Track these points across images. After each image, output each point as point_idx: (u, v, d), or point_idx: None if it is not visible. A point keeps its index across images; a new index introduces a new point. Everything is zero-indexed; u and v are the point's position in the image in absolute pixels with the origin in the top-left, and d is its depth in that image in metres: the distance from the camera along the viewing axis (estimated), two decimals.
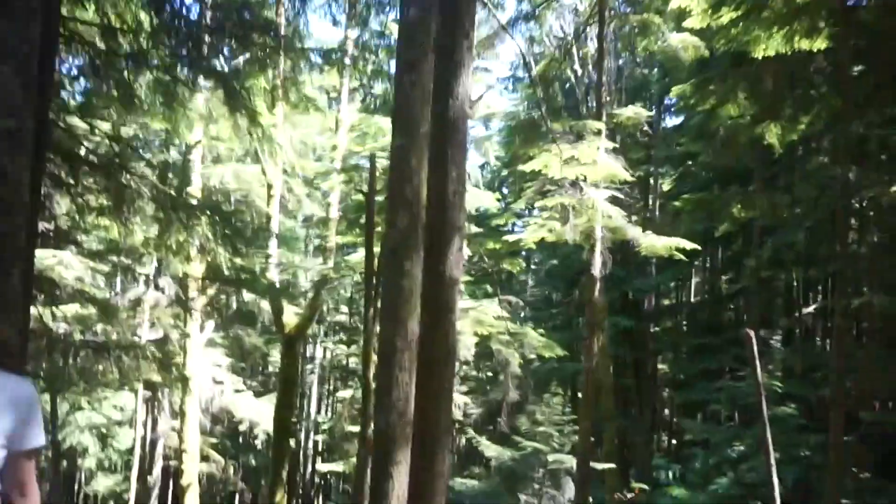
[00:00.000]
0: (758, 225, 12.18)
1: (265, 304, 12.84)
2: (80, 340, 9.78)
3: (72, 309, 9.84)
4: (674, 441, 17.34)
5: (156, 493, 14.92)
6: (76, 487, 18.99)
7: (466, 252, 11.97)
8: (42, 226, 9.52)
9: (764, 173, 12.24)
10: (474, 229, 12.86)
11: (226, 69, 6.42)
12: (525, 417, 11.78)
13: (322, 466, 20.25)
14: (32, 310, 7.94)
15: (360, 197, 11.06)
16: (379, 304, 6.36)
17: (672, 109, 17.93)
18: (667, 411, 19.14)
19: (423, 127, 3.89)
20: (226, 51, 6.27)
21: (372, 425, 4.62)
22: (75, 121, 6.85)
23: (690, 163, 15.52)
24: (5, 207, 3.61)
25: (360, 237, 11.73)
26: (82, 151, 6.55)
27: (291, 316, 10.60)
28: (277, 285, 11.08)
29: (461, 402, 14.13)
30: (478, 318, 10.13)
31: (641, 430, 15.45)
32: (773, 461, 4.68)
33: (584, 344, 7.34)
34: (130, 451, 15.28)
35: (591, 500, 10.07)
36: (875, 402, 11.50)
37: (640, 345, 16.38)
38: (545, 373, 15.36)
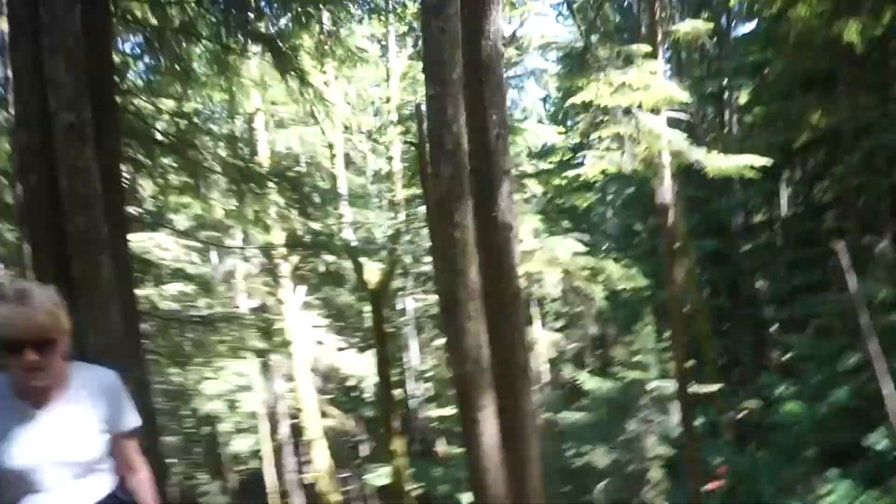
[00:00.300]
0: (849, 129, 11.02)
1: (349, 264, 13.22)
2: (186, 316, 10.58)
3: (174, 288, 10.62)
4: (782, 357, 16.62)
5: (288, 449, 16.15)
6: (218, 450, 20.94)
7: (537, 190, 11.73)
8: (133, 209, 10.23)
9: (848, 75, 10.94)
10: (542, 166, 12.51)
11: (271, 30, 6.48)
12: (620, 348, 11.66)
13: (434, 412, 21.06)
14: (140, 291, 8.62)
15: None
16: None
17: (740, 17, 16.39)
18: (771, 329, 18.32)
19: (455, 73, 3.73)
20: (269, 12, 6.32)
21: None
22: (143, 102, 7.17)
23: (766, 71, 14.17)
24: (81, 200, 3.86)
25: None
26: (154, 132, 6.89)
27: (373, 272, 10.85)
28: (354, 244, 11.33)
29: (554, 338, 14.12)
30: (554, 256, 9.99)
31: (745, 349, 14.89)
32: (884, 371, 4.33)
33: (666, 273, 7.07)
34: (256, 415, 16.61)
35: (699, 421, 9.89)
36: None
37: (733, 265, 15.62)
38: (635, 303, 15.02)
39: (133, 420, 2.06)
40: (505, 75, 5.17)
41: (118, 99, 5.14)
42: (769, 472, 8.79)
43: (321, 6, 6.03)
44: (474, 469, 3.59)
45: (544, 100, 20.95)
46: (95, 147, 3.73)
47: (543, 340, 12.83)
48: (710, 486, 8.98)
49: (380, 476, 18.15)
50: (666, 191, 9.17)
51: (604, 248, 18.29)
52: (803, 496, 7.90)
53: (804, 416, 9.34)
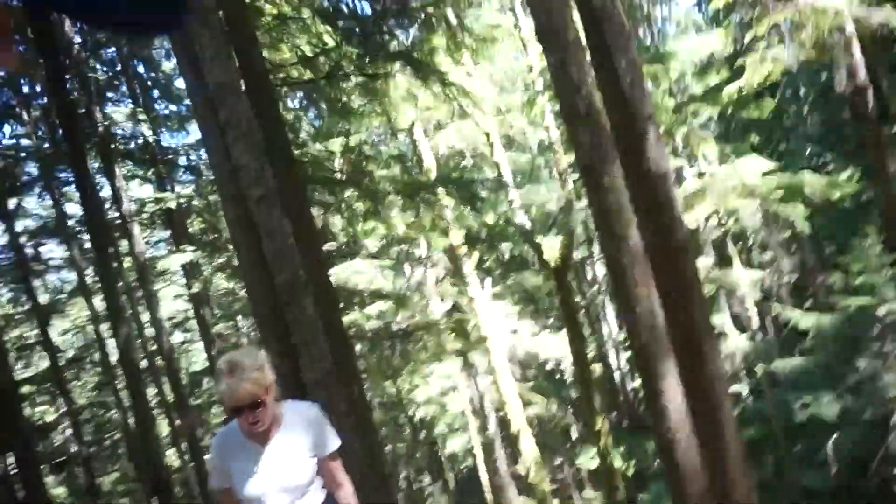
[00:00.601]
0: None
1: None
2: (389, 333, 11.53)
3: (375, 308, 11.65)
4: None
5: (498, 443, 16.75)
6: (437, 452, 22.35)
7: (712, 111, 10.68)
8: (329, 246, 11.42)
9: None
10: (711, 81, 11.10)
11: (405, 44, 6.95)
12: (838, 273, 10.29)
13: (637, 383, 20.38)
14: (347, 318, 9.59)
15: None
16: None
17: None
18: None
19: (570, 34, 3.69)
20: (398, 29, 6.80)
21: None
22: (317, 147, 8.10)
23: None
24: (280, 256, 4.50)
25: None
26: (332, 172, 7.78)
27: (551, 250, 10.82)
28: (527, 226, 11.41)
29: (758, 276, 12.86)
30: (740, 183, 9.00)
31: None
32: None
33: (874, 171, 6.17)
34: (464, 412, 17.45)
35: None
36: None
37: None
38: (849, 214, 13.03)
39: (335, 443, 2.46)
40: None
41: (296, 152, 5.85)
42: None
43: (441, 5, 6.32)
44: (663, 444, 3.51)
45: (698, 4, 18.64)
46: (285, 204, 4.33)
47: (745, 281, 11.66)
48: None
49: (591, 458, 17.99)
50: (857, 69, 7.85)
51: (807, 152, 16.12)
52: None
53: None
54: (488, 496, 16.46)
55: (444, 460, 21.26)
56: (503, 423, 19.86)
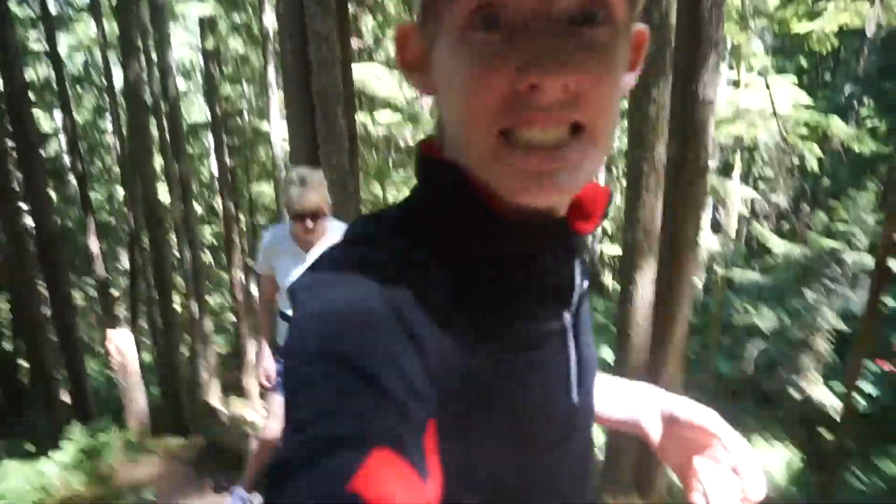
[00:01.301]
0: None
1: None
2: (395, 144, 11.77)
3: (385, 116, 11.76)
4: None
5: None
6: None
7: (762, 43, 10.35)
8: (357, 43, 11.19)
9: None
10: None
11: None
12: (825, 214, 10.80)
13: (607, 249, 21.49)
14: (357, 117, 9.77)
15: None
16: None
17: None
18: None
19: None
20: None
21: None
22: None
23: None
24: (325, 64, 4.63)
25: None
26: None
27: None
28: None
29: (751, 193, 13.28)
30: (771, 107, 8.96)
31: None
32: None
33: None
34: None
35: (891, 300, 9.22)
36: None
37: None
38: (857, 166, 13.28)
39: None
40: None
41: None
42: None
43: None
44: (622, 319, 4.09)
45: None
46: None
47: (739, 195, 12.13)
48: (885, 365, 8.69)
49: None
50: None
51: (847, 95, 15.72)
52: None
53: None
54: None
55: None
56: None
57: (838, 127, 9.49)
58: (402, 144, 12.34)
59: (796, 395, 9.31)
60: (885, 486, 6.93)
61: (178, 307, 12.32)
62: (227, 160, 14.25)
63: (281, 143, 13.92)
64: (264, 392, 2.93)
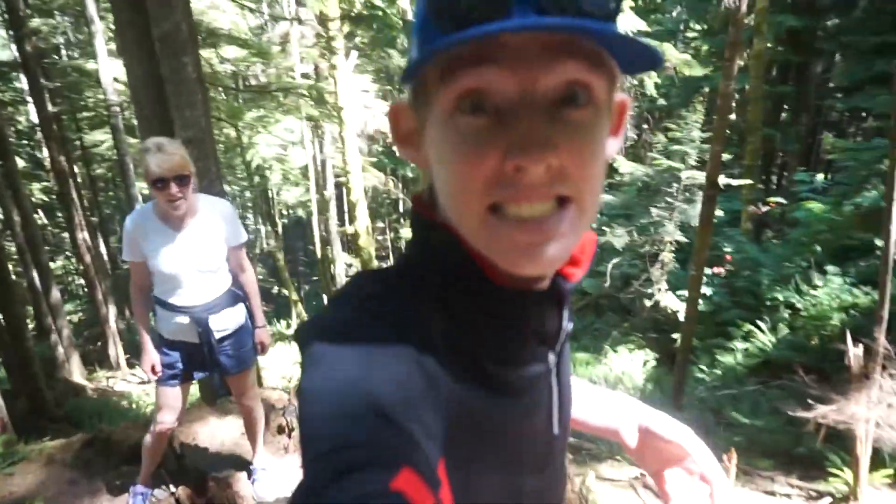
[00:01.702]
0: None
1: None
2: (246, 84, 10.95)
3: (231, 52, 10.85)
4: (825, 157, 16.30)
5: (333, 203, 17.61)
6: (270, 198, 22.84)
7: None
8: None
9: None
10: None
11: None
12: (663, 135, 11.76)
13: None
14: (201, 52, 8.92)
15: None
16: None
17: None
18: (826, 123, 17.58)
19: None
20: None
21: None
22: None
23: None
24: (167, 3, 4.15)
25: None
26: None
27: None
28: (410, 16, 11.00)
29: None
30: None
31: (791, 142, 14.68)
32: None
33: (724, 65, 6.90)
34: (306, 168, 17.77)
35: (720, 213, 10.44)
36: None
37: (807, 46, 14.49)
38: (687, 88, 14.53)
39: (244, 235, 2.80)
40: None
41: None
42: (773, 264, 9.57)
43: None
44: None
45: None
46: None
47: None
48: (714, 269, 9.90)
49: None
50: None
51: (674, 17, 16.85)
52: (797, 289, 8.74)
53: (823, 215, 9.81)
54: (316, 246, 17.68)
55: (277, 207, 21.90)
56: (339, 187, 20.64)
57: (671, 53, 10.24)
58: (252, 82, 11.52)
59: (648, 304, 10.40)
60: (721, 373, 8.10)
61: (14, 278, 10.98)
62: (49, 105, 12.50)
63: (113, 85, 12.44)
64: (146, 378, 2.76)
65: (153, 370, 2.70)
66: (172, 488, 3.13)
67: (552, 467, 0.71)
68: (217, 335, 2.74)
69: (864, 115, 15.30)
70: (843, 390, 4.84)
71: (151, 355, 2.70)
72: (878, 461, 4.90)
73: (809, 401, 4.75)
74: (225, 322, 2.77)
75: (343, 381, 0.49)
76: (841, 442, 5.13)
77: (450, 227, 0.59)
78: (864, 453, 4.64)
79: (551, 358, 0.67)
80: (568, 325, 0.70)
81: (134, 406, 8.81)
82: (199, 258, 2.61)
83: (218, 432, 3.65)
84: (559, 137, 0.51)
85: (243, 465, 3.34)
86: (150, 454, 2.92)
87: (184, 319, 2.66)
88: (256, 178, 20.47)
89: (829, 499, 4.86)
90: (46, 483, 3.02)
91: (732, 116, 13.71)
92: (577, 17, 0.49)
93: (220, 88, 11.07)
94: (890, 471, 5.00)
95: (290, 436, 3.68)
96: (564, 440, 0.75)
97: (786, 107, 16.56)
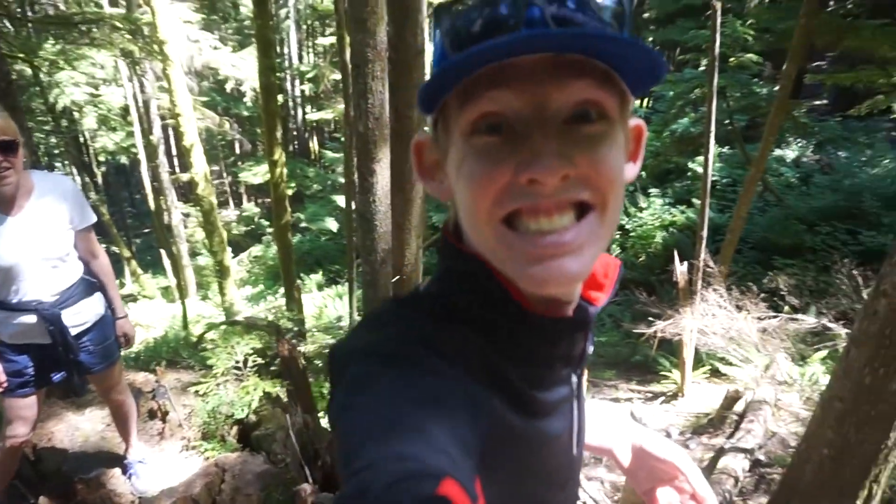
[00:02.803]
0: None
1: None
2: (43, 16, 9.35)
3: None
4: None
5: (162, 149, 15.99)
6: (83, 144, 20.16)
7: None
8: None
9: None
10: None
11: None
12: None
13: (312, 115, 21.07)
14: None
15: None
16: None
17: None
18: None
19: None
20: None
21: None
22: None
23: None
24: None
25: None
26: None
27: None
28: None
29: None
30: None
31: None
32: (713, 104, 5.28)
33: None
34: (126, 110, 15.84)
35: None
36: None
37: None
38: None
39: (92, 217, 2.48)
40: None
41: None
42: None
43: None
44: (365, 208, 4.26)
45: None
46: None
47: None
48: None
49: (255, 175, 18.91)
50: None
51: None
52: (625, 211, 9.68)
53: (647, 142, 10.83)
54: (147, 196, 16.05)
55: (94, 155, 19.43)
56: (165, 130, 18.73)
57: None
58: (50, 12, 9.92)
59: None
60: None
61: None
62: None
63: None
64: None
65: None
66: (33, 500, 2.84)
67: (572, 482, 0.74)
68: (74, 331, 2.45)
69: (675, 47, 16.79)
70: (672, 304, 5.56)
71: None
72: (697, 361, 5.77)
73: (650, 319, 5.38)
74: (82, 315, 2.48)
75: (386, 400, 0.50)
76: (669, 347, 5.94)
77: (478, 255, 0.60)
78: (688, 356, 5.43)
79: (574, 380, 0.70)
80: (589, 348, 0.72)
81: None
82: (42, 245, 2.27)
83: (78, 428, 3.32)
84: (573, 150, 0.53)
85: (114, 460, 3.10)
86: (1, 470, 2.59)
87: (30, 319, 2.33)
88: (64, 123, 17.93)
89: (662, 398, 5.66)
90: None
91: None
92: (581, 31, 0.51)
93: (5, 18, 9.36)
94: (707, 367, 5.91)
95: (163, 419, 3.45)
96: (581, 460, 0.77)
97: None
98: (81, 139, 19.41)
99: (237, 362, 3.89)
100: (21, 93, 15.18)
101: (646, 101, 14.71)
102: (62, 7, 11.30)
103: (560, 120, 0.53)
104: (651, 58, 0.52)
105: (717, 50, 5.51)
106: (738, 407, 4.72)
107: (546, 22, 0.50)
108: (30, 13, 11.76)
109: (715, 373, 5.90)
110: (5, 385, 2.38)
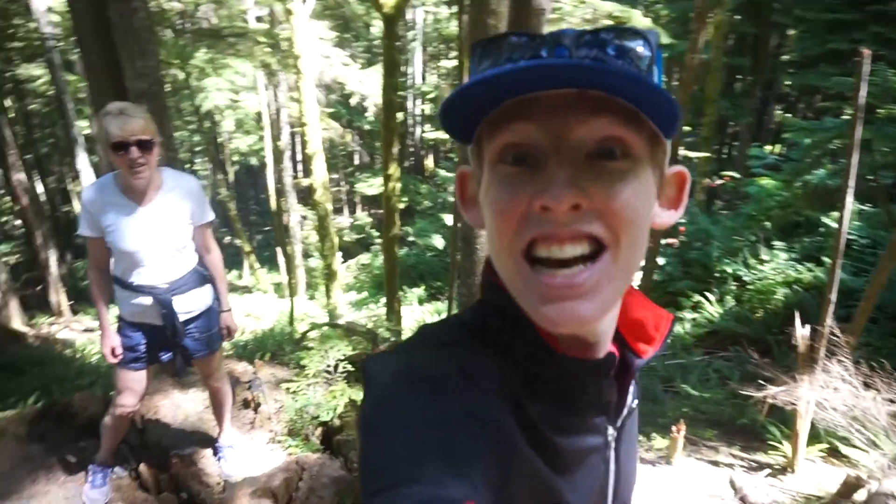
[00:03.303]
0: None
1: None
2: (198, 28, 10.30)
3: None
4: (772, 126, 16.71)
5: (288, 154, 17.02)
6: (220, 144, 21.92)
7: None
8: None
9: None
10: None
11: None
12: None
13: (429, 134, 21.62)
14: None
15: None
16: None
17: None
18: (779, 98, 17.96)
19: None
20: None
21: None
22: None
23: None
24: None
25: None
26: None
27: None
28: None
29: None
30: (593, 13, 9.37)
31: (743, 114, 14.97)
32: (855, 158, 4.80)
33: (690, 37, 6.91)
34: (259, 116, 17.05)
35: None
36: None
37: (764, 17, 14.64)
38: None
39: (210, 214, 2.63)
40: None
41: None
42: (723, 237, 9.87)
43: None
44: (468, 231, 4.21)
45: None
46: None
47: None
48: (668, 241, 10.16)
49: (370, 186, 19.62)
50: None
51: None
52: (744, 262, 9.05)
53: (774, 191, 10.11)
54: (270, 196, 17.12)
55: (228, 155, 21.05)
56: (296, 138, 19.95)
57: (638, 19, 10.19)
58: (205, 24, 10.86)
59: None
60: (671, 343, 8.39)
61: None
62: None
63: (46, 15, 11.55)
64: (114, 361, 2.58)
65: (113, 353, 2.55)
66: (134, 465, 3.03)
67: None
68: (182, 317, 2.60)
69: (815, 92, 15.69)
70: (787, 368, 5.07)
71: (111, 337, 2.54)
72: (813, 435, 5.21)
73: (760, 381, 4.94)
74: (191, 304, 2.63)
75: (414, 422, 0.50)
76: (780, 414, 5.41)
77: (506, 288, 0.61)
78: (803, 429, 4.92)
79: (610, 432, 0.68)
80: (633, 402, 0.71)
81: (79, 356, 8.48)
82: (163, 236, 2.44)
83: (181, 406, 3.53)
84: (586, 181, 0.53)
85: (208, 441, 3.25)
86: (110, 434, 2.79)
87: (146, 300, 2.51)
88: (207, 124, 19.59)
89: (769, 470, 5.15)
90: None
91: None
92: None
93: (168, 29, 10.39)
94: (824, 445, 5.32)
95: (255, 410, 3.60)
96: None
97: (738, 77, 16.82)
98: (219, 140, 21.08)
99: (328, 366, 3.98)
100: (173, 94, 16.78)
101: (777, 147, 13.81)
102: (214, 21, 12.37)
103: (583, 153, 0.54)
104: (671, 106, 0.52)
105: (862, 99, 5.06)
106: (859, 496, 4.19)
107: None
108: (188, 25, 12.97)
109: (833, 452, 5.30)
110: (121, 357, 2.57)
